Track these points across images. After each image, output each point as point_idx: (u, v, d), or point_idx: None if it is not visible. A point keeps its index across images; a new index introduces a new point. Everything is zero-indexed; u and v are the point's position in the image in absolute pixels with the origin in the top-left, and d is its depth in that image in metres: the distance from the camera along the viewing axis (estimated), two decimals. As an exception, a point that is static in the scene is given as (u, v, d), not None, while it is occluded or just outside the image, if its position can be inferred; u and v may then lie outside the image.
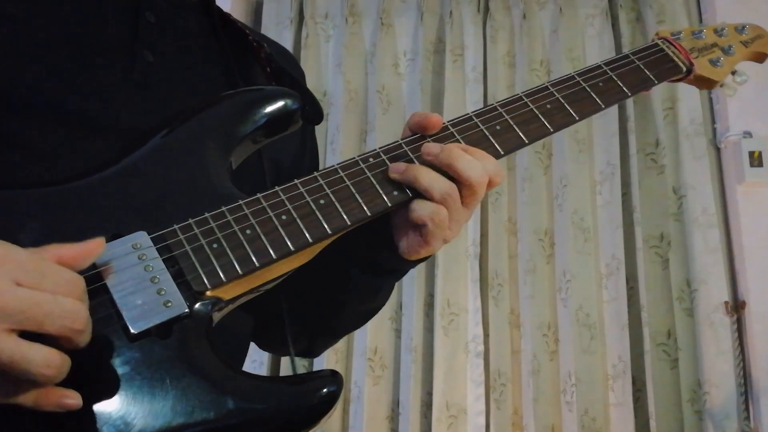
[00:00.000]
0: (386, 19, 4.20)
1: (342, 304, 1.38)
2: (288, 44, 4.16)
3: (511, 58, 4.15)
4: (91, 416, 0.86)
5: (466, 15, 4.16)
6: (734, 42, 1.53)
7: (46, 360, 0.78)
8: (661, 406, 3.57)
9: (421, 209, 1.14)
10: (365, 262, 1.29)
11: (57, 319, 0.79)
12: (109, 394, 0.87)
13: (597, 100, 1.33)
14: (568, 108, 1.30)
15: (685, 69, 1.46)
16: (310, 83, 4.09)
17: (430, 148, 1.17)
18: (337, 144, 3.97)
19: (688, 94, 3.85)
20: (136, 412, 0.87)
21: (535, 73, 4.03)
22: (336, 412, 3.72)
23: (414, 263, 1.28)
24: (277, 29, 4.25)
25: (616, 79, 1.37)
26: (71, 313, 0.80)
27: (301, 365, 3.54)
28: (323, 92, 4.17)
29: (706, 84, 1.51)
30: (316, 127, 1.56)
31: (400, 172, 1.15)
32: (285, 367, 3.67)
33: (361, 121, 4.12)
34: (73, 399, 0.81)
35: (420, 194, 1.15)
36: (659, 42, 1.48)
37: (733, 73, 1.51)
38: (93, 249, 0.89)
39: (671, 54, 1.46)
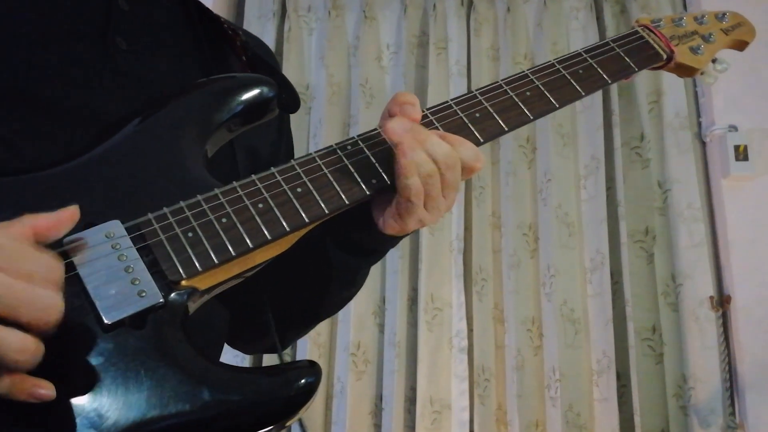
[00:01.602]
0: (369, 12, 4.18)
1: (323, 289, 1.37)
2: (271, 37, 4.16)
3: (495, 51, 4.14)
4: (65, 408, 0.85)
5: (450, 8, 4.15)
6: (715, 30, 1.52)
7: (23, 344, 0.77)
8: (645, 402, 3.56)
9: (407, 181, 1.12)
10: (343, 242, 1.29)
11: (32, 307, 0.78)
12: (82, 386, 0.86)
13: (577, 87, 1.33)
14: (548, 95, 1.30)
15: (665, 56, 1.45)
16: (293, 76, 4.09)
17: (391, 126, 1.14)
18: (319, 137, 3.95)
19: (673, 87, 3.84)
20: (110, 404, 0.86)
21: (519, 66, 4.00)
22: (319, 407, 3.72)
23: (391, 242, 1.27)
24: (259, 22, 4.23)
25: (596, 66, 1.37)
26: (47, 302, 0.80)
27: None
28: (306, 85, 4.15)
29: (686, 72, 1.50)
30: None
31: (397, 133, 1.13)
32: (268, 361, 3.64)
33: (344, 115, 4.09)
34: (46, 389, 0.80)
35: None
36: (639, 29, 1.47)
37: (714, 61, 1.51)
38: (68, 217, 0.88)
39: (651, 41, 1.45)
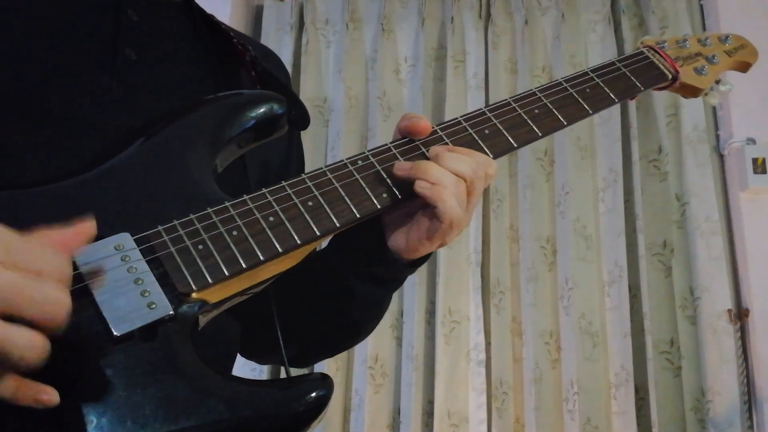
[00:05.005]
0: (387, 25, 4.19)
1: (353, 320, 1.40)
2: (288, 50, 4.18)
3: (513, 64, 4.14)
4: (73, 421, 0.84)
5: (468, 21, 4.15)
6: (718, 51, 1.53)
7: (31, 342, 0.75)
8: (663, 415, 3.55)
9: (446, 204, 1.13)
10: (366, 276, 1.30)
11: (39, 305, 0.76)
12: (91, 399, 0.86)
13: (584, 105, 1.34)
14: (556, 113, 1.31)
15: (671, 77, 1.46)
16: (311, 89, 4.10)
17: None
18: (337, 150, 3.96)
19: (691, 101, 3.80)
20: (118, 417, 0.86)
21: (537, 79, 4.01)
22: (337, 420, 3.72)
23: (411, 268, 1.29)
24: (277, 35, 4.25)
25: (602, 85, 1.38)
26: (54, 300, 0.78)
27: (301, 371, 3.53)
28: (323, 98, 4.16)
29: (690, 92, 1.52)
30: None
31: (407, 170, 1.15)
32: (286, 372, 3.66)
33: (361, 128, 4.10)
34: (49, 395, 0.78)
35: (411, 196, 1.15)
36: (645, 50, 1.49)
37: (717, 81, 1.52)
38: (83, 232, 0.87)
39: (657, 62, 1.47)
